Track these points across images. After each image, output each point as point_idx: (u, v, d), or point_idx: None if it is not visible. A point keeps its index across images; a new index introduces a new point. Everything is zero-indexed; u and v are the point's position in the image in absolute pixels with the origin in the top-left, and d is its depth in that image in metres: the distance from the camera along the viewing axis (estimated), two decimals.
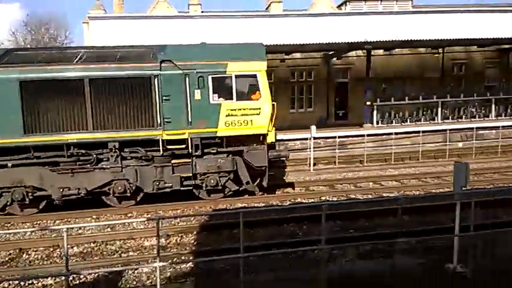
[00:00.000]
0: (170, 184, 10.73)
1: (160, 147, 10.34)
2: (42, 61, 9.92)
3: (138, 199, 10.82)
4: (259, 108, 10.78)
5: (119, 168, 10.35)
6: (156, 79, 10.16)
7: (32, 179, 9.85)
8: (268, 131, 10.95)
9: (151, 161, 10.57)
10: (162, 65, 10.23)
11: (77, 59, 10.14)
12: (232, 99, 10.63)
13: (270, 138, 11.16)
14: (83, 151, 10.08)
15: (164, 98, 10.22)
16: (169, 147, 10.43)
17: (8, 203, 10.03)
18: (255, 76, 10.77)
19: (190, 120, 10.46)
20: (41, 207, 10.34)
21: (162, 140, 10.29)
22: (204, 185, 10.91)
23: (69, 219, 10.13)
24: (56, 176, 9.98)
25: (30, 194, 9.98)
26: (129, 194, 10.57)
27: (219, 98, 10.60)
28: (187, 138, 10.46)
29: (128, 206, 10.76)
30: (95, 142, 10.06)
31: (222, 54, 10.83)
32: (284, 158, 12.03)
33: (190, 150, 10.51)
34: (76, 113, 9.79)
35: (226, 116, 10.60)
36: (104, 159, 10.30)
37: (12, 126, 9.39)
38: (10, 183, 9.75)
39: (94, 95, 9.85)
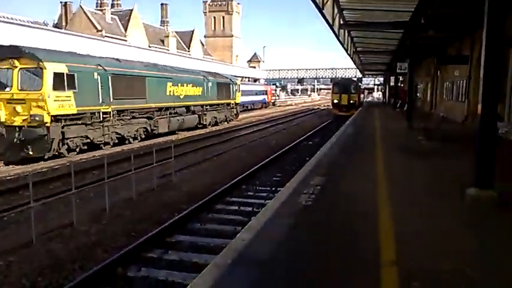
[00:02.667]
0: (212, 120, 27.66)
1: (207, 107, 26.63)
2: (176, 72, 23.73)
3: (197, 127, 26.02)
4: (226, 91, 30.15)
5: (206, 114, 26.58)
6: (205, 83, 25.97)
7: (174, 119, 22.49)
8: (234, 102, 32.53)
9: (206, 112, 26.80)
10: (205, 78, 26.23)
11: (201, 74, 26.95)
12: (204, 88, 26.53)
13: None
14: (193, 108, 24.69)
15: (211, 89, 26.83)
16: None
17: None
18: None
19: (214, 96, 27.30)
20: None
21: (206, 104, 26.52)
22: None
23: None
24: (184, 119, 23.45)
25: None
26: (197, 125, 25.86)
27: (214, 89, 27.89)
28: (216, 103, 27.86)
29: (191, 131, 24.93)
30: (193, 105, 24.72)
31: (211, 75, 28.56)
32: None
33: (217, 107, 28.43)
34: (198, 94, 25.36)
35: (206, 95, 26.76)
36: (192, 112, 24.76)
37: (167, 97, 21.53)
38: (177, 122, 22.91)
39: (206, 86, 26.43)
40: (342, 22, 17.85)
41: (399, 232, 4.67)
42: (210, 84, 26.74)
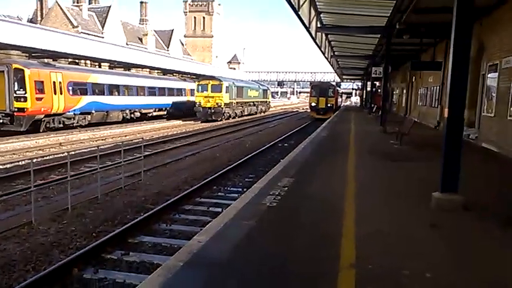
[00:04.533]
0: (260, 110, 47.74)
1: (259, 102, 47.37)
2: (250, 84, 47.44)
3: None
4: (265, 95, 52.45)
5: (259, 106, 46.95)
6: (258, 89, 47.79)
7: (249, 107, 43.09)
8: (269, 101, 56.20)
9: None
10: (258, 86, 49.26)
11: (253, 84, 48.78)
12: (259, 93, 47.88)
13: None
14: (255, 102, 45.36)
15: (259, 93, 47.08)
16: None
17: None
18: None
19: (261, 96, 48.42)
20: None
21: (259, 101, 47.20)
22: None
23: None
24: (251, 108, 44.17)
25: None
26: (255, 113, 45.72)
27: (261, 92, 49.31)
28: (261, 101, 48.73)
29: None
30: (255, 101, 45.50)
31: (260, 84, 52.93)
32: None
33: (262, 103, 49.49)
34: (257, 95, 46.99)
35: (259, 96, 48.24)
36: (254, 105, 45.38)
37: (248, 97, 42.80)
38: (250, 110, 44.13)
39: (258, 91, 47.96)
40: (319, 25, 17.89)
41: (362, 236, 4.58)
42: (260, 90, 48.39)
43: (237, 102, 37.80)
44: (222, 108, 33.54)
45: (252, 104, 44.22)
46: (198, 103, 33.58)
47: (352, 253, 4.04)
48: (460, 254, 4.26)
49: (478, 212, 5.74)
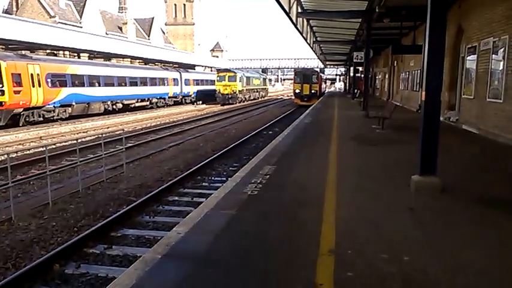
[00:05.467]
0: (261, 95, 56.47)
1: (260, 89, 56.63)
2: (254, 73, 59.84)
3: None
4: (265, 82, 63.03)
5: (260, 92, 56.04)
6: (260, 78, 57.67)
7: (253, 93, 52.67)
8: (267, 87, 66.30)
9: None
10: (260, 75, 59.64)
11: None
12: (260, 81, 57.82)
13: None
14: (257, 89, 54.41)
15: (260, 81, 56.30)
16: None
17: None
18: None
19: (262, 84, 58.80)
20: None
21: (260, 88, 56.64)
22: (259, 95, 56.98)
23: None
24: (256, 94, 53.61)
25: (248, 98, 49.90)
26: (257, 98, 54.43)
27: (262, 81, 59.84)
28: (262, 88, 57.75)
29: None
30: (257, 88, 54.63)
31: (261, 74, 64.24)
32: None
33: (262, 90, 57.86)
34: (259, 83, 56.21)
35: (261, 84, 57.76)
36: (257, 92, 54.44)
37: (253, 85, 52.75)
38: (254, 95, 54.03)
39: (260, 79, 57.94)
40: (299, 10, 17.76)
41: (342, 221, 4.62)
42: (261, 78, 57.29)
43: (246, 89, 47.00)
44: (237, 94, 42.13)
45: (255, 90, 53.20)
46: (218, 91, 42.15)
47: (332, 239, 4.07)
48: (437, 236, 4.33)
49: (456, 194, 5.83)
